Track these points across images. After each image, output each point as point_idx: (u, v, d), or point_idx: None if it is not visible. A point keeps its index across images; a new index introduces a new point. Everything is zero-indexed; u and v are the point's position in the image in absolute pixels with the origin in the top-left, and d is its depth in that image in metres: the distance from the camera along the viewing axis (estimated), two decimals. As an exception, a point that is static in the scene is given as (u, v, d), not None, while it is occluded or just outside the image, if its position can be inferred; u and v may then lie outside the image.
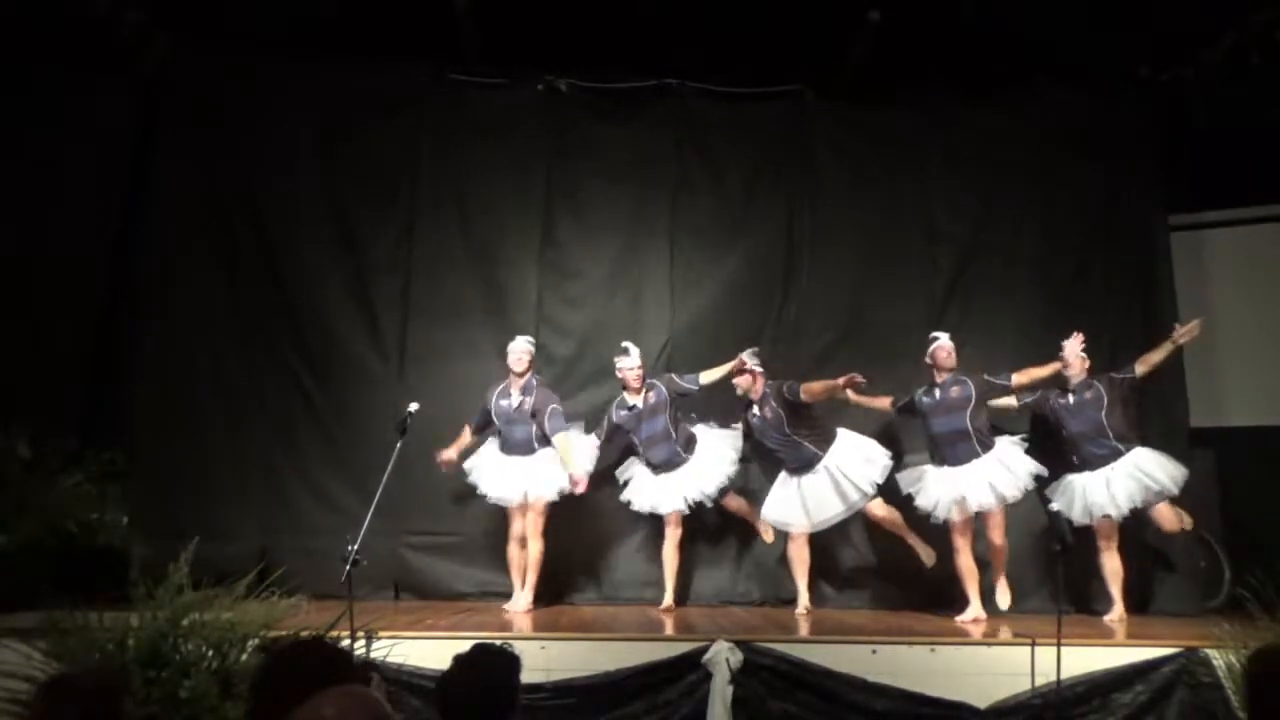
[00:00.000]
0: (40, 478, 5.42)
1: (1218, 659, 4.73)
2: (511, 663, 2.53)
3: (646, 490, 6.27)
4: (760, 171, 7.09)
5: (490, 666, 2.49)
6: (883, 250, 7.00)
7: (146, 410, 6.41)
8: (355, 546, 4.39)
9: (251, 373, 6.64)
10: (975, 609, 5.84)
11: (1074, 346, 6.02)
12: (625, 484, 6.38)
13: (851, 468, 6.01)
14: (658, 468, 6.26)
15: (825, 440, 6.10)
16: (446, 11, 6.19)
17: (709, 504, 6.28)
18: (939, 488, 5.94)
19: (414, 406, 5.55)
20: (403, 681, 4.45)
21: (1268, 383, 6.92)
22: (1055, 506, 5.32)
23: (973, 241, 7.03)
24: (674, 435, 6.24)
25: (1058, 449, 6.08)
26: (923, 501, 6.00)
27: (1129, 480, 5.82)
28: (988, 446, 5.93)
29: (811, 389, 6.01)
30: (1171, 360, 6.10)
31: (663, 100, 7.01)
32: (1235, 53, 6.36)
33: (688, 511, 6.22)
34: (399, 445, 5.27)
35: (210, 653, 3.99)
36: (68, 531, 5.35)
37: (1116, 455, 5.89)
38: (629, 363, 6.24)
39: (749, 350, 6.20)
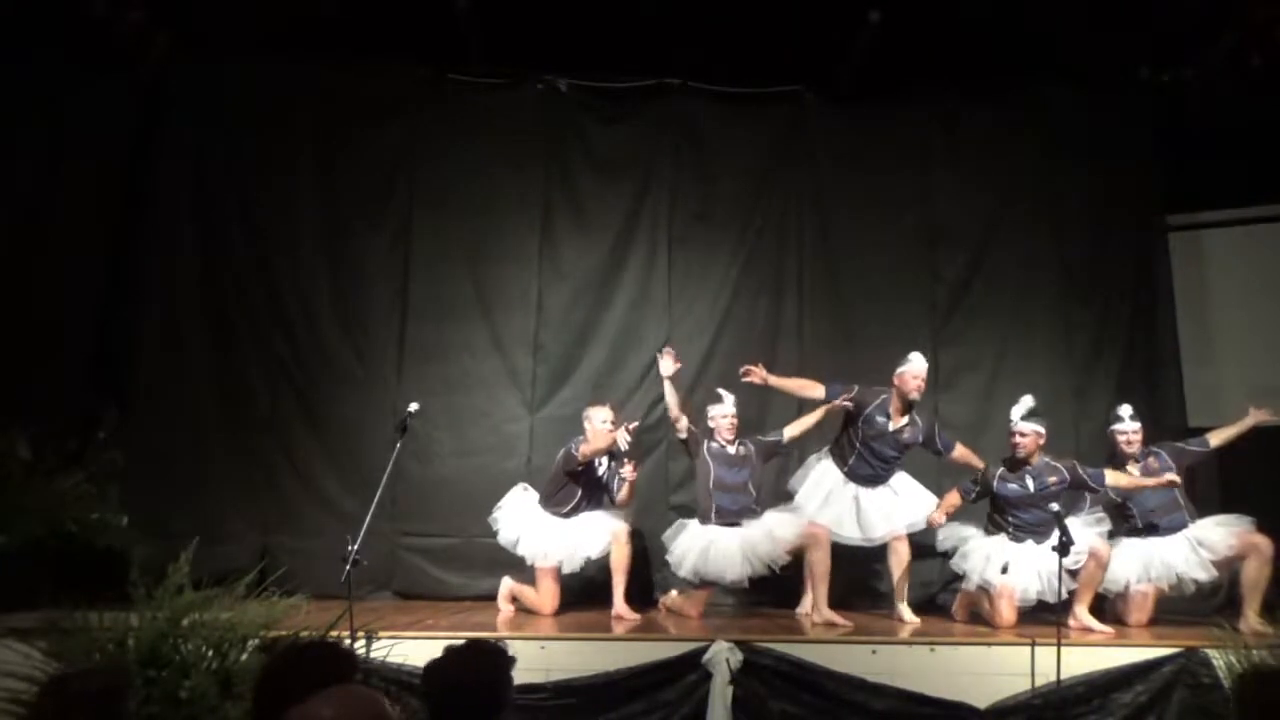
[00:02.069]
0: (40, 478, 5.41)
1: (1218, 659, 4.73)
2: (503, 659, 2.49)
3: (699, 549, 5.77)
4: (760, 172, 7.08)
5: (481, 661, 2.46)
6: (883, 251, 7.00)
7: (146, 410, 6.40)
8: (355, 546, 4.39)
9: (250, 373, 6.63)
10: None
11: (1130, 424, 5.81)
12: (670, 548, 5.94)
13: (913, 493, 5.96)
14: (723, 513, 5.85)
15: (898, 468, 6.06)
16: (446, 12, 6.18)
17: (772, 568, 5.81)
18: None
19: (414, 406, 5.54)
20: (403, 681, 4.45)
21: (1266, 383, 6.91)
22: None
23: (973, 241, 7.03)
24: (752, 492, 5.93)
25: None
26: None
27: (1194, 552, 5.58)
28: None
29: (965, 457, 6.01)
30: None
31: (662, 100, 7.01)
32: (1235, 53, 6.36)
33: (747, 581, 5.80)
34: (398, 445, 5.27)
35: (210, 653, 3.99)
36: (68, 531, 5.35)
37: (1184, 525, 5.66)
38: (723, 410, 5.99)
39: (916, 354, 5.95)
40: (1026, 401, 5.73)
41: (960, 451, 6.06)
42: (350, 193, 6.84)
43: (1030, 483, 5.64)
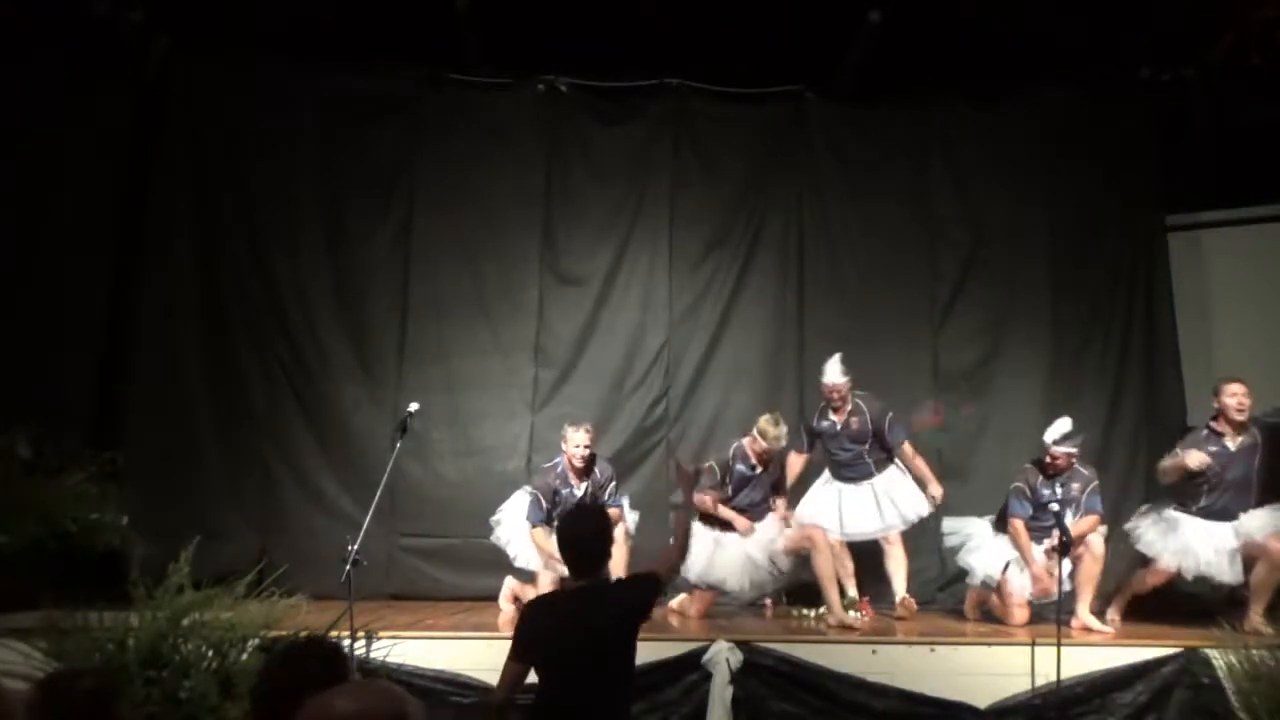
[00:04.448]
0: (40, 478, 5.42)
1: (1218, 659, 4.73)
2: (604, 517, 3.41)
3: (706, 555, 5.80)
4: (760, 172, 7.08)
5: (591, 516, 3.39)
6: (883, 251, 7.00)
7: (145, 410, 6.40)
8: (355, 547, 4.38)
9: (250, 373, 6.62)
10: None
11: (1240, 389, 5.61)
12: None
13: (900, 494, 5.94)
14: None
15: (883, 465, 6.02)
16: (446, 12, 6.18)
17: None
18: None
19: (414, 406, 5.53)
20: (402, 681, 4.45)
21: (1266, 382, 6.90)
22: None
23: (972, 241, 7.03)
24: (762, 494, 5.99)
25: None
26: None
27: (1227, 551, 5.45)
28: None
29: (913, 461, 5.98)
30: None
31: (662, 100, 7.01)
32: (1235, 53, 6.36)
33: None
34: (398, 445, 5.27)
35: (210, 653, 4.00)
36: (68, 531, 5.35)
37: (1235, 519, 5.47)
38: (776, 433, 5.79)
39: (831, 361, 5.97)
40: (1060, 427, 5.65)
41: (908, 451, 5.99)
42: (350, 193, 6.84)
43: (1059, 490, 5.57)
